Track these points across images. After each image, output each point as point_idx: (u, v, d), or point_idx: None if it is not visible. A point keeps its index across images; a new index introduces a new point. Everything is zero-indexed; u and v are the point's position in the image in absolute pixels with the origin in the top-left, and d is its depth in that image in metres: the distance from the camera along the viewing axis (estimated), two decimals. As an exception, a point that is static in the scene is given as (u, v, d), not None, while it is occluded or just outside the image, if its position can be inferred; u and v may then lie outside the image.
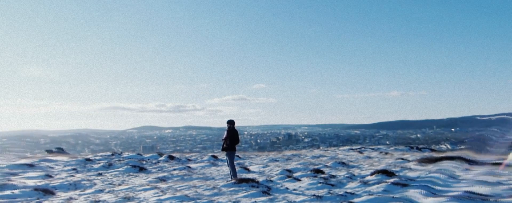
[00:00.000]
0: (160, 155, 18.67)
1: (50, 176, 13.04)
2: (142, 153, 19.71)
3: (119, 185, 11.50)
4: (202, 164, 16.38)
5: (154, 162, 17.12)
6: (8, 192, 9.88)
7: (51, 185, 11.28)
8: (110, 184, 11.73)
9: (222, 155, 18.79)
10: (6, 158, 19.42)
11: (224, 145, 11.10)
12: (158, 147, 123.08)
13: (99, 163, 15.92)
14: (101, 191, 10.43)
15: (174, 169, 14.94)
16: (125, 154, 18.78)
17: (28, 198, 9.55)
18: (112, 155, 18.41)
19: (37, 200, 9.42)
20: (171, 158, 18.03)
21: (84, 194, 10.00)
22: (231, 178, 11.19)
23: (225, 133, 11.15)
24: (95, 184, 11.72)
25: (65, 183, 11.60)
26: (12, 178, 12.33)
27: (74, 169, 14.74)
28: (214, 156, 18.79)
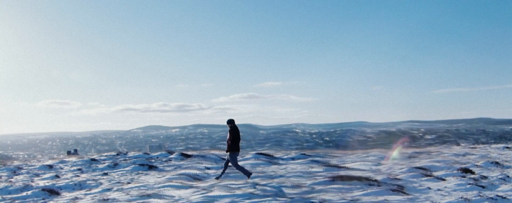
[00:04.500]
0: (170, 153, 18.24)
1: (58, 177, 13.40)
2: (149, 152, 19.71)
3: (128, 183, 11.51)
4: (251, 162, 15.05)
5: (164, 160, 16.67)
6: (24, 193, 10.35)
7: (57, 185, 11.53)
8: (118, 183, 11.77)
9: (280, 153, 17.68)
10: (38, 159, 20.25)
11: (229, 146, 11.08)
12: (166, 145, 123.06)
13: (104, 163, 16.06)
14: (108, 189, 10.53)
15: (207, 168, 14.12)
16: (131, 154, 18.58)
17: (35, 198, 9.87)
18: (117, 154, 18.44)
19: (43, 201, 9.65)
20: (186, 156, 17.09)
21: (90, 194, 10.14)
22: (246, 175, 11.13)
23: (228, 134, 11.21)
24: (101, 183, 11.83)
25: (70, 183, 11.81)
26: (35, 179, 13.10)
27: (79, 169, 14.94)
28: (260, 153, 16.94)
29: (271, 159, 15.83)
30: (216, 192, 9.08)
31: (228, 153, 11.20)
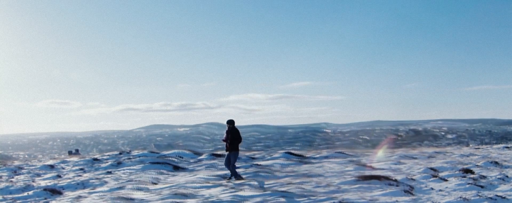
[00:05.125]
0: (197, 154, 17.18)
1: (60, 176, 13.55)
2: (157, 151, 18.96)
3: (154, 183, 11.60)
4: (280, 161, 14.95)
5: (191, 160, 16.18)
6: (25, 193, 10.51)
7: (58, 184, 11.71)
8: (128, 181, 11.82)
9: (310, 153, 17.83)
10: (38, 159, 20.38)
11: (227, 145, 11.45)
12: (180, 144, 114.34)
13: (107, 162, 16.09)
14: (119, 188, 10.68)
15: (236, 167, 13.20)
16: (135, 152, 18.07)
17: (37, 198, 10.05)
18: (120, 154, 18.15)
19: (45, 200, 9.81)
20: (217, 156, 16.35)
21: (95, 192, 10.31)
22: (234, 177, 11.41)
23: (225, 133, 11.57)
24: (106, 182, 11.95)
25: (72, 182, 11.97)
26: (36, 178, 13.23)
27: (81, 169, 15.04)
28: (290, 153, 16.85)
29: (302, 158, 15.92)
30: (246, 192, 9.35)
31: (228, 152, 11.51)
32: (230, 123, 11.54)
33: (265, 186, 10.15)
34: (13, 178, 13.42)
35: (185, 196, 9.27)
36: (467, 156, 17.66)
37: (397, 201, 8.76)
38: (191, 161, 15.97)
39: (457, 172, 12.49)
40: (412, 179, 11.30)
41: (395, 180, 10.67)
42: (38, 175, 14.04)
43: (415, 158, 16.37)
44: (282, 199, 8.68)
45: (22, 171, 15.03)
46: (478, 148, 22.86)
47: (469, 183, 10.51)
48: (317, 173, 12.52)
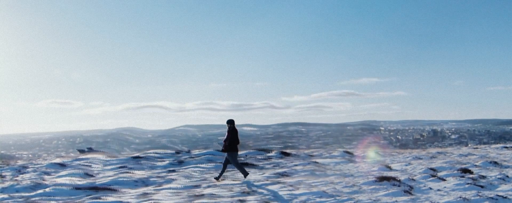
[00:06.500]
0: (267, 151, 17.85)
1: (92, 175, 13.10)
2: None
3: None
4: (336, 160, 16.47)
5: (259, 157, 16.78)
6: (40, 191, 10.38)
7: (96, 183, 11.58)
8: (202, 180, 12.08)
9: (358, 151, 19.70)
10: (44, 158, 20.45)
11: (224, 146, 11.67)
12: (250, 144, 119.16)
13: (165, 161, 15.63)
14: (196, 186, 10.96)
15: (295, 165, 14.80)
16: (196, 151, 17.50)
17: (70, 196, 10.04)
18: (177, 153, 17.39)
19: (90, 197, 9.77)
20: (285, 154, 17.49)
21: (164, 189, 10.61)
22: (243, 175, 11.79)
23: (226, 133, 11.75)
24: (172, 179, 12.09)
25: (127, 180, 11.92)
26: (45, 177, 12.82)
27: (122, 167, 14.43)
28: (347, 152, 18.88)
29: (351, 157, 17.83)
30: (301, 190, 10.10)
31: (227, 153, 11.71)
32: (230, 122, 11.69)
33: (312, 184, 11.03)
34: (17, 177, 12.87)
35: (249, 193, 9.87)
36: (466, 155, 18.12)
37: (396, 201, 9.08)
38: (259, 157, 16.86)
39: (455, 171, 12.78)
40: (413, 179, 11.64)
41: (399, 181, 11.05)
42: (47, 173, 13.42)
43: (421, 159, 16.94)
44: (320, 199, 9.32)
45: (27, 169, 14.06)
46: (477, 148, 23.30)
47: (468, 183, 10.76)
48: (352, 172, 13.50)
